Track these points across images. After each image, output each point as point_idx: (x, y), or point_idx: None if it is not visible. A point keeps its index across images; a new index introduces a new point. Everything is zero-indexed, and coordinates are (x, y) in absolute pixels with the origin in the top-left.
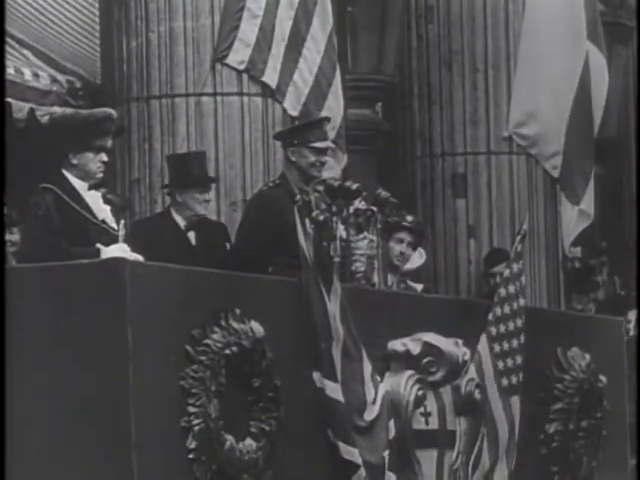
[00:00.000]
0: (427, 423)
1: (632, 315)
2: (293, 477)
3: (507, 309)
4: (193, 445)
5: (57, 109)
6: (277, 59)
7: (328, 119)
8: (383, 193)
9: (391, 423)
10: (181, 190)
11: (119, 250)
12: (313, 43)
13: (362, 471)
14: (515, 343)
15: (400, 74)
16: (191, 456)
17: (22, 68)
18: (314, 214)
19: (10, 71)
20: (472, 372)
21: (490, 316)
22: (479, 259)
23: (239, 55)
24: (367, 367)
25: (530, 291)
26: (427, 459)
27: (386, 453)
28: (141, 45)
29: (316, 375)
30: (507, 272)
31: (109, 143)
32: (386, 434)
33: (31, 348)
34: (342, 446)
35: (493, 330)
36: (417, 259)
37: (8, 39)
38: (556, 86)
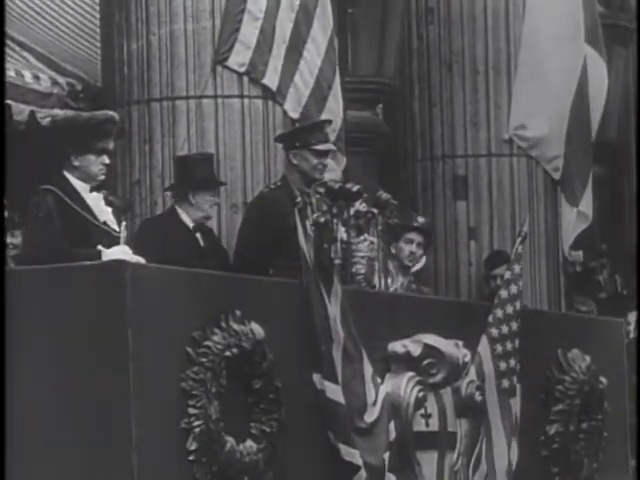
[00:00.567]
0: (427, 425)
1: (632, 317)
2: (294, 478)
3: (509, 310)
4: (193, 447)
5: (58, 111)
6: (278, 61)
7: (329, 121)
8: (384, 195)
9: (392, 425)
10: (194, 192)
11: (120, 252)
12: (314, 45)
13: (362, 472)
14: (515, 344)
15: (400, 76)
16: (191, 457)
17: (23, 70)
18: (315, 216)
19: (11, 73)
20: (472, 374)
21: (490, 318)
22: (480, 261)
23: (240, 57)
24: (367, 369)
25: (530, 293)
26: (427, 461)
27: (387, 455)
28: (142, 47)
29: (316, 377)
30: (508, 274)
31: (111, 145)
32: (387, 436)
33: (32, 350)
34: (342, 447)
35: (494, 331)
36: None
37: (9, 41)
38: (557, 88)
